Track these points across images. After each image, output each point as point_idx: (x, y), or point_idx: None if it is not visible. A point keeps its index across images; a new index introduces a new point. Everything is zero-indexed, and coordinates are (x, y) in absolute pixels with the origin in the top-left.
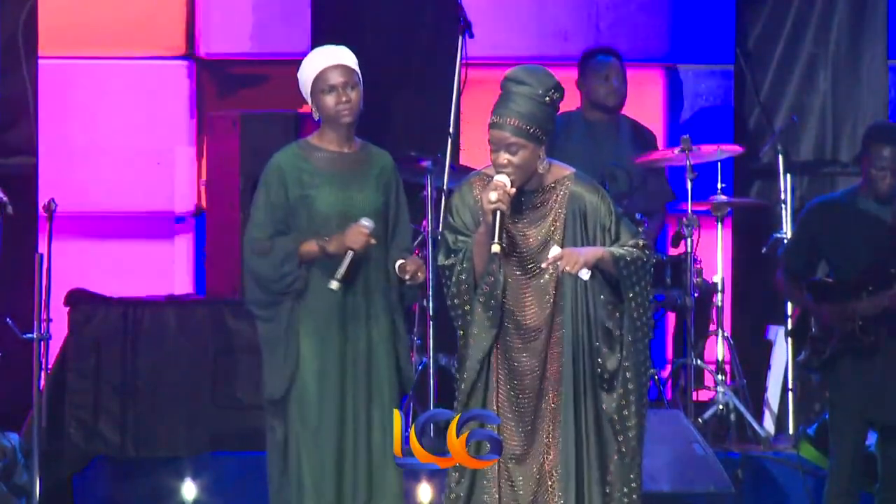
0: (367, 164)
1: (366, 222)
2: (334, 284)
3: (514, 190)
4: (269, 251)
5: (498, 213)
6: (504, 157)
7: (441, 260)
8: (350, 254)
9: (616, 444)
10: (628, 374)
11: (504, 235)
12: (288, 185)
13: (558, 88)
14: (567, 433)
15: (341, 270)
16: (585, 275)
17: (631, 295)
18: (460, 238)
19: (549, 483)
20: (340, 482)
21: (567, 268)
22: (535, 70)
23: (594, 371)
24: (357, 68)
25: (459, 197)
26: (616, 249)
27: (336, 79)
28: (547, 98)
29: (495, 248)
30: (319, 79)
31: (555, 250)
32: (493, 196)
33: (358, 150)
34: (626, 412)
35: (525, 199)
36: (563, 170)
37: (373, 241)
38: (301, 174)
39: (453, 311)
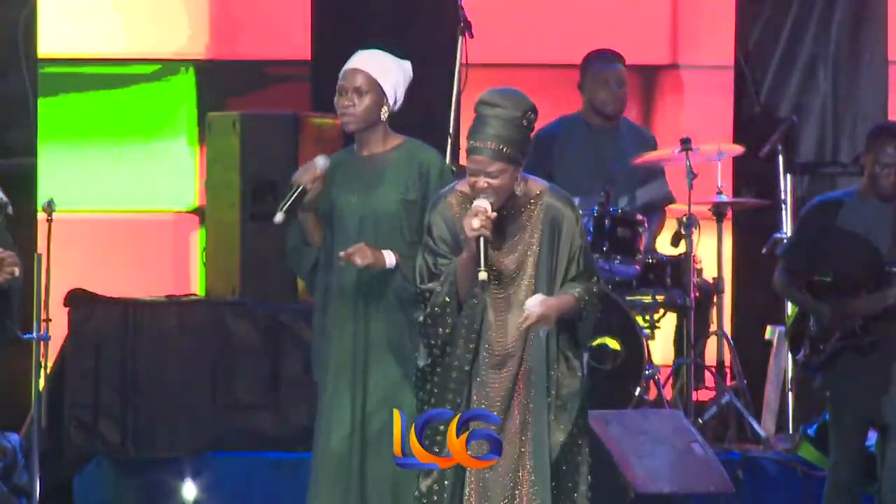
0: (396, 163)
1: (320, 160)
2: (278, 217)
3: (494, 214)
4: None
5: (482, 239)
6: (484, 181)
7: (420, 283)
8: (298, 188)
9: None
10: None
11: (490, 261)
12: (329, 186)
13: (534, 110)
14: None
15: (284, 202)
16: (544, 332)
17: (582, 331)
18: (440, 261)
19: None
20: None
21: (539, 326)
22: (509, 93)
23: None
24: (380, 77)
25: (437, 215)
26: (580, 292)
27: (347, 82)
28: (524, 121)
29: (482, 275)
30: (340, 79)
31: (532, 303)
32: (476, 223)
33: (390, 150)
34: (578, 440)
35: (501, 222)
36: (536, 185)
37: (320, 176)
38: (336, 176)
39: (431, 331)
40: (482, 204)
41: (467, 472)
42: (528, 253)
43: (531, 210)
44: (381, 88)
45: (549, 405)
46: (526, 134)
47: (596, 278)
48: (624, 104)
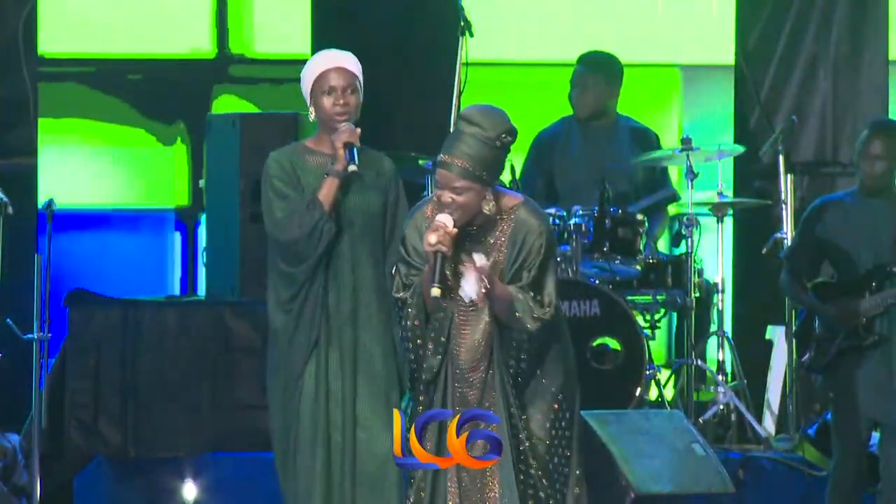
0: (365, 167)
1: (342, 125)
2: (352, 167)
3: (455, 230)
4: (290, 215)
5: (439, 255)
6: (448, 196)
7: (394, 292)
8: (352, 147)
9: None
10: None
11: (446, 277)
12: (292, 180)
13: (511, 132)
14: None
15: (353, 165)
16: (469, 295)
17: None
18: (412, 272)
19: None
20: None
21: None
22: (490, 112)
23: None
24: (360, 75)
25: (412, 225)
26: (516, 291)
27: (336, 81)
28: (498, 142)
29: (435, 291)
30: (320, 80)
31: (479, 258)
32: (434, 239)
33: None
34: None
35: (470, 237)
36: (511, 199)
37: (357, 130)
38: (299, 175)
39: (407, 342)
40: (443, 219)
41: (447, 483)
42: (498, 266)
43: (503, 225)
44: (361, 86)
45: (513, 413)
46: (498, 155)
47: (547, 301)
48: (588, 108)
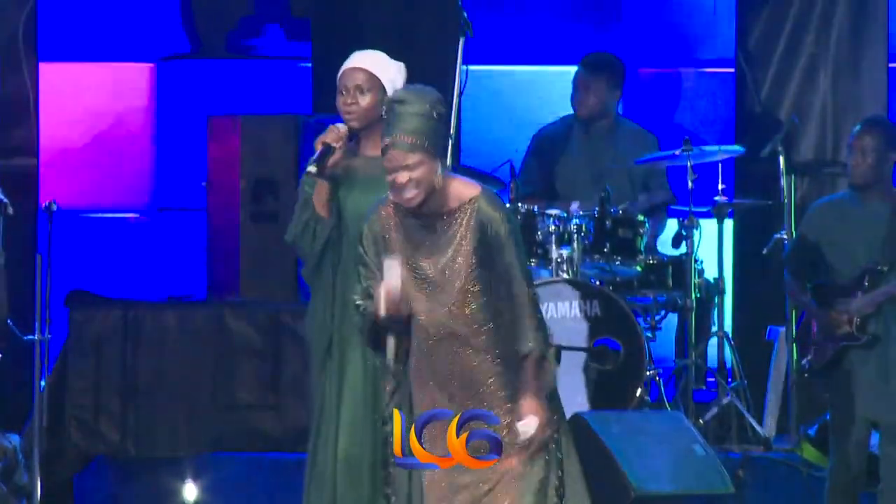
0: (372, 169)
1: (341, 125)
2: (311, 168)
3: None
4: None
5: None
6: (403, 175)
7: (357, 297)
8: (328, 147)
9: None
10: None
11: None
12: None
13: (442, 103)
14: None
15: (313, 159)
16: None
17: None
18: (364, 271)
19: None
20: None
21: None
22: (416, 89)
23: None
24: (381, 74)
25: (367, 226)
26: (538, 351)
27: (348, 81)
28: (434, 113)
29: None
30: (339, 80)
31: (529, 425)
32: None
33: None
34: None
35: (426, 226)
36: (468, 188)
37: (343, 129)
38: (341, 176)
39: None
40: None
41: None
42: (458, 259)
43: (462, 218)
44: (383, 86)
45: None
46: (437, 127)
47: (530, 292)
48: (591, 109)
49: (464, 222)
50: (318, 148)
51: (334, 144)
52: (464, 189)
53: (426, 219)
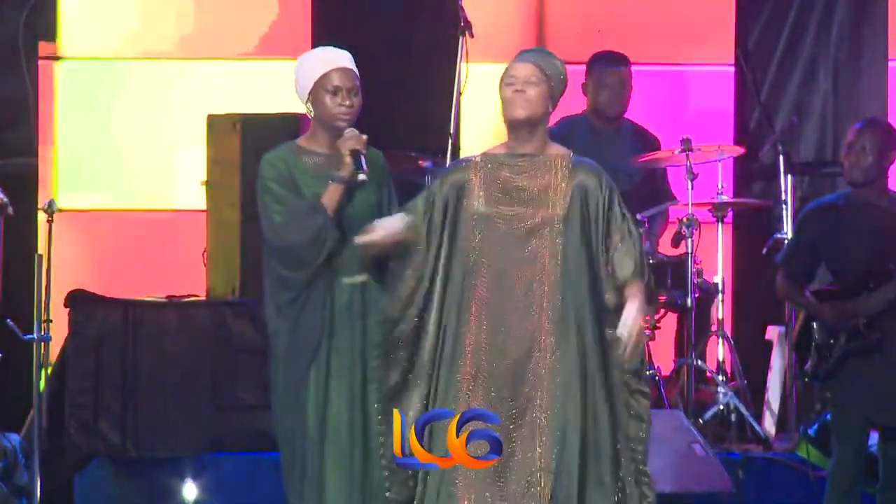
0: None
1: (348, 131)
2: (362, 176)
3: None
4: (289, 220)
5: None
6: (521, 87)
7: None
8: (359, 154)
9: None
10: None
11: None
12: (287, 183)
13: (566, 80)
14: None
15: (356, 166)
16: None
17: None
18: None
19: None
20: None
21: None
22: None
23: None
24: (358, 75)
25: (448, 177)
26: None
27: (342, 82)
28: (563, 77)
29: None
30: (324, 79)
31: (627, 326)
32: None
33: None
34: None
35: (525, 157)
36: (560, 149)
37: (364, 136)
38: (295, 177)
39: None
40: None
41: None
42: (551, 196)
43: (556, 162)
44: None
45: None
46: (558, 85)
47: (637, 242)
48: (624, 106)
49: (559, 167)
50: (348, 155)
51: (363, 150)
52: (555, 147)
53: (518, 158)
